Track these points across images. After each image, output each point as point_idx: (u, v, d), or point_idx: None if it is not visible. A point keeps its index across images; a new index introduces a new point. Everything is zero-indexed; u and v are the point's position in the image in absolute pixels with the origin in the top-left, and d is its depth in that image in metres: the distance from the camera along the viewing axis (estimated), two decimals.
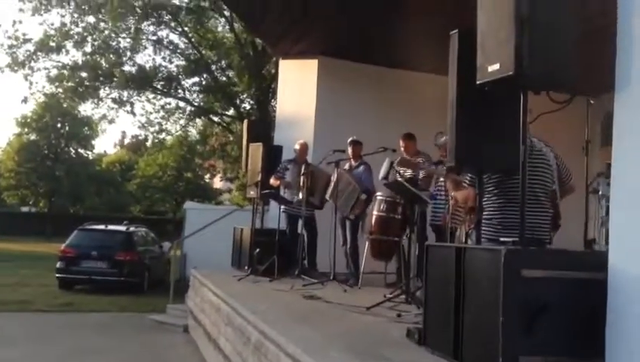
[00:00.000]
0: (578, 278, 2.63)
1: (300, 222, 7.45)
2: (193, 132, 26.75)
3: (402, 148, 6.86)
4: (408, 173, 6.65)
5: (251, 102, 20.78)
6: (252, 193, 8.34)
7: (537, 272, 2.61)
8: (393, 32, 8.81)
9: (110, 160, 45.03)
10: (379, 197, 6.83)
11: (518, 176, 3.27)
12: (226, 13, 18.39)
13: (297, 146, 8.21)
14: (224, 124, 22.16)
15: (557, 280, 2.64)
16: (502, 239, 3.30)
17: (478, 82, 2.90)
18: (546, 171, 3.46)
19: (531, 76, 2.67)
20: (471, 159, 3.16)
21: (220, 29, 21.01)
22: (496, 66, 2.76)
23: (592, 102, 4.33)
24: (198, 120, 23.62)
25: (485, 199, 3.40)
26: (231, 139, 21.26)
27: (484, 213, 3.49)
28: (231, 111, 21.50)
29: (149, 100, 21.73)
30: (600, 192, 4.18)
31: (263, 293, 6.16)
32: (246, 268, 7.86)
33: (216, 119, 22.45)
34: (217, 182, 37.05)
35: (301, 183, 7.61)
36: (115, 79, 18.98)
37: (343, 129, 8.14)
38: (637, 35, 2.37)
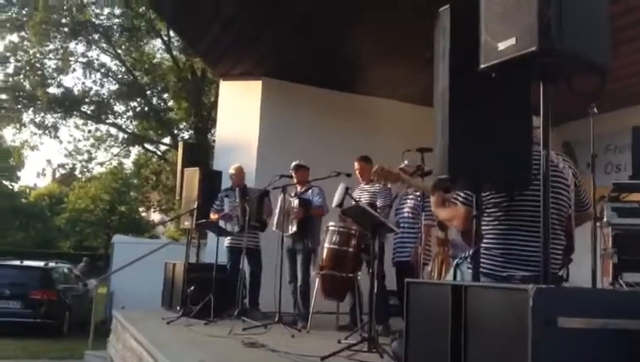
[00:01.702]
0: (632, 330, 1.91)
1: (243, 256, 6.55)
2: (128, 163, 25.33)
3: (357, 172, 6.17)
4: (365, 199, 5.93)
5: (190, 131, 19.75)
6: (186, 223, 7.42)
7: (577, 321, 1.88)
8: (343, 54, 8.25)
9: (39, 193, 42.45)
10: (331, 228, 6.07)
11: (527, 195, 2.60)
12: (164, 35, 17.45)
13: (232, 171, 7.40)
14: (159, 153, 20.95)
15: (602, 333, 1.91)
16: (505, 274, 2.57)
17: (482, 66, 2.20)
18: (563, 192, 2.74)
19: (561, 53, 1.98)
20: (469, 171, 2.43)
21: (158, 55, 20.06)
22: (511, 41, 2.06)
23: (596, 111, 3.75)
24: (131, 148, 22.27)
25: (483, 223, 2.67)
26: (167, 169, 20.06)
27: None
28: (167, 140, 20.35)
29: (77, 126, 20.31)
30: (605, 219, 3.55)
31: (195, 340, 5.20)
32: (178, 308, 6.87)
33: (151, 148, 21.21)
34: (154, 216, 35.40)
35: (241, 211, 6.82)
36: (39, 102, 17.57)
37: (290, 154, 7.39)
38: None
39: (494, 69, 2.17)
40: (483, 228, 2.64)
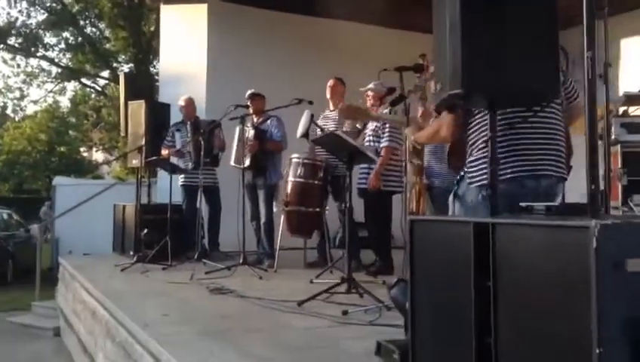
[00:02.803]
0: None
1: (200, 195, 6.05)
2: (65, 101, 23.76)
3: (328, 92, 5.71)
4: (331, 127, 5.47)
5: (130, 64, 18.48)
6: (135, 162, 6.80)
7: None
8: None
9: None
10: (294, 160, 5.63)
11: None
12: None
13: (181, 103, 6.81)
14: (98, 88, 19.65)
15: None
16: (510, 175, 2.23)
17: None
18: None
19: None
20: (487, 83, 1.99)
21: None
22: None
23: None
24: (67, 84, 20.79)
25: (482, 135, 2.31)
26: (108, 104, 18.87)
27: (476, 153, 2.48)
28: (106, 73, 19.03)
29: (5, 61, 18.71)
30: (613, 136, 3.20)
31: (154, 289, 4.76)
32: (131, 253, 6.38)
33: (88, 82, 19.84)
34: (97, 156, 33.96)
35: (194, 146, 6.29)
36: None
37: (242, 83, 6.75)
38: None
39: None
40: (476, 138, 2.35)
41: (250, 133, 5.95)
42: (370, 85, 5.34)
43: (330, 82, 5.89)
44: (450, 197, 2.72)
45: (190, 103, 6.83)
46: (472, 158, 2.53)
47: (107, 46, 17.95)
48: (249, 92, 6.19)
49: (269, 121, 6.15)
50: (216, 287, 4.51)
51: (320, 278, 4.77)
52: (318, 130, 5.18)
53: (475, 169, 2.51)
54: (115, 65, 18.51)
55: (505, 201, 2.26)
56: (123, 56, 17.90)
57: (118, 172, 19.27)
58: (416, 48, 4.04)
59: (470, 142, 2.56)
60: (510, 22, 2.07)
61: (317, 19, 8.63)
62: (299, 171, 5.54)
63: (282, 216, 5.65)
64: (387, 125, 5.17)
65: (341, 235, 7.39)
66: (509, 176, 2.39)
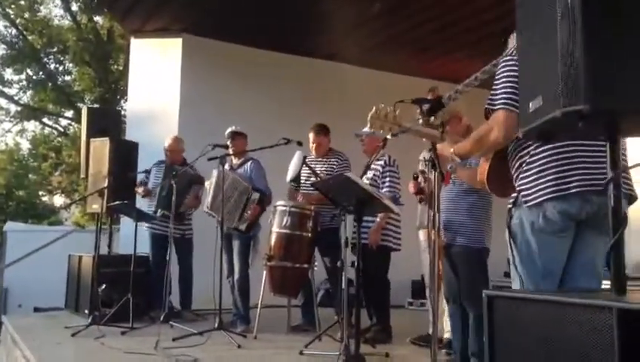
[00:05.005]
0: None
1: (171, 245, 5.28)
2: (25, 143, 22.54)
3: (312, 146, 5.07)
4: (321, 169, 4.84)
5: (96, 104, 17.62)
6: (95, 206, 5.99)
7: None
8: (281, 11, 7.03)
9: None
10: (280, 208, 4.94)
11: None
12: None
13: (167, 143, 6.06)
14: (60, 129, 18.66)
15: None
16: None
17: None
18: None
19: None
20: (626, 98, 1.36)
21: (55, 15, 17.50)
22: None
23: None
24: (26, 123, 19.69)
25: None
26: (69, 145, 17.87)
27: (532, 167, 2.12)
28: (70, 113, 18.11)
29: None
30: None
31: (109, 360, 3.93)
32: (86, 312, 5.51)
33: (50, 123, 18.83)
34: (58, 200, 32.53)
35: (167, 191, 5.55)
36: None
37: (218, 122, 6.15)
38: None
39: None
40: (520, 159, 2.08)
41: (254, 196, 5.20)
42: (366, 129, 4.75)
43: (312, 137, 5.23)
44: (506, 234, 2.20)
45: (176, 144, 6.06)
46: (526, 174, 2.12)
47: (72, 84, 17.09)
48: (230, 130, 5.53)
49: (247, 165, 5.46)
50: (186, 359, 3.71)
51: (311, 347, 4.04)
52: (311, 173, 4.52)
53: (530, 185, 2.10)
54: (79, 105, 17.63)
55: (567, 221, 2.05)
56: (89, 96, 17.05)
57: (77, 218, 18.09)
58: (401, 90, 3.49)
59: (519, 156, 2.17)
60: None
61: (297, 58, 8.16)
62: (285, 221, 4.84)
63: (264, 272, 4.92)
64: (388, 171, 4.58)
65: (323, 292, 6.71)
66: (573, 191, 2.04)
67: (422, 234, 4.62)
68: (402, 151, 4.73)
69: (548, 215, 2.05)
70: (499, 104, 2.14)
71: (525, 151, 2.13)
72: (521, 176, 2.13)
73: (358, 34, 7.65)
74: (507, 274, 2.71)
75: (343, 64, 8.30)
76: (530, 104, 1.48)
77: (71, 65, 16.58)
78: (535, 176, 2.08)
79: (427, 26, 7.29)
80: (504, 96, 2.13)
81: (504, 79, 2.15)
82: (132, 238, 5.37)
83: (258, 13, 7.17)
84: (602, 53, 1.33)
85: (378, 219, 4.50)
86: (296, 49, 8.09)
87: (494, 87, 2.21)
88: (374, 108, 2.49)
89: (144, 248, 5.86)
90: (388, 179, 4.64)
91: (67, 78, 17.16)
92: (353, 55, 8.20)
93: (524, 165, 2.13)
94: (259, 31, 7.62)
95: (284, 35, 7.75)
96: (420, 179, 4.22)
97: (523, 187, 2.11)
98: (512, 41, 2.59)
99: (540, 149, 2.08)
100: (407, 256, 4.87)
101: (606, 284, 1.61)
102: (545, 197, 2.04)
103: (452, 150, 2.35)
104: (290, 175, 4.49)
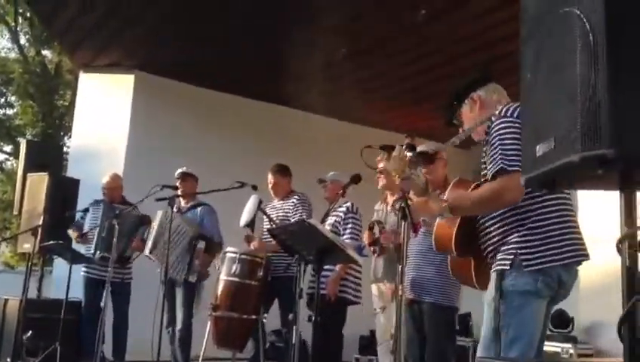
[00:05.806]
0: None
1: (107, 290, 4.89)
2: None
3: (271, 186, 4.86)
4: (279, 214, 4.62)
5: (37, 139, 16.86)
6: (26, 246, 5.59)
7: None
8: (242, 51, 6.91)
9: None
10: (229, 255, 4.66)
11: None
12: (9, 20, 14.67)
13: (105, 180, 5.72)
14: None
15: None
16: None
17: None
18: None
19: None
20: None
21: (2, 52, 16.88)
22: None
23: None
24: None
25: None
26: (3, 180, 16.92)
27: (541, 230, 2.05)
28: (9, 148, 17.23)
29: None
30: None
31: None
32: (8, 361, 5.03)
33: None
34: None
35: (106, 232, 5.19)
36: None
37: (168, 163, 5.90)
38: None
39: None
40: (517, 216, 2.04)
41: (200, 244, 4.94)
42: (330, 174, 4.60)
43: (270, 179, 5.02)
44: (488, 297, 2.08)
45: (115, 182, 5.72)
46: (529, 238, 2.04)
47: (14, 117, 16.32)
48: (180, 171, 5.29)
49: (198, 210, 5.21)
50: None
51: None
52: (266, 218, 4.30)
53: (535, 249, 2.02)
54: (19, 139, 16.84)
55: (557, 288, 2.04)
56: (30, 130, 16.30)
57: (7, 257, 16.98)
58: (363, 141, 3.35)
59: (514, 213, 2.08)
60: None
61: (257, 102, 8.04)
62: (234, 269, 4.56)
63: (209, 323, 4.59)
64: (350, 218, 4.41)
65: (268, 346, 6.36)
66: (566, 261, 2.02)
67: (374, 289, 4.41)
68: (357, 200, 4.59)
69: (548, 281, 2.00)
70: (515, 165, 1.95)
71: (523, 210, 2.05)
72: (519, 236, 2.04)
73: (319, 81, 7.58)
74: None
75: (307, 112, 8.14)
76: (538, 147, 1.30)
77: (14, 98, 15.88)
78: (540, 242, 2.02)
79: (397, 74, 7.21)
80: (514, 157, 2.01)
81: (511, 140, 2.04)
82: (65, 282, 4.99)
83: (217, 53, 7.03)
84: (630, 86, 1.15)
85: (337, 268, 4.28)
86: (257, 94, 7.96)
87: (496, 148, 2.09)
88: (397, 148, 2.33)
89: (77, 293, 5.43)
90: (350, 226, 4.46)
91: (9, 111, 16.39)
92: (315, 102, 8.11)
93: (525, 224, 2.04)
94: (219, 73, 7.48)
95: (245, 79, 7.62)
96: (376, 229, 4.07)
97: (525, 251, 2.02)
98: (482, 93, 2.49)
99: (546, 210, 2.04)
100: (356, 310, 4.64)
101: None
102: (552, 264, 2.00)
103: (445, 203, 2.16)
104: (243, 220, 4.26)
